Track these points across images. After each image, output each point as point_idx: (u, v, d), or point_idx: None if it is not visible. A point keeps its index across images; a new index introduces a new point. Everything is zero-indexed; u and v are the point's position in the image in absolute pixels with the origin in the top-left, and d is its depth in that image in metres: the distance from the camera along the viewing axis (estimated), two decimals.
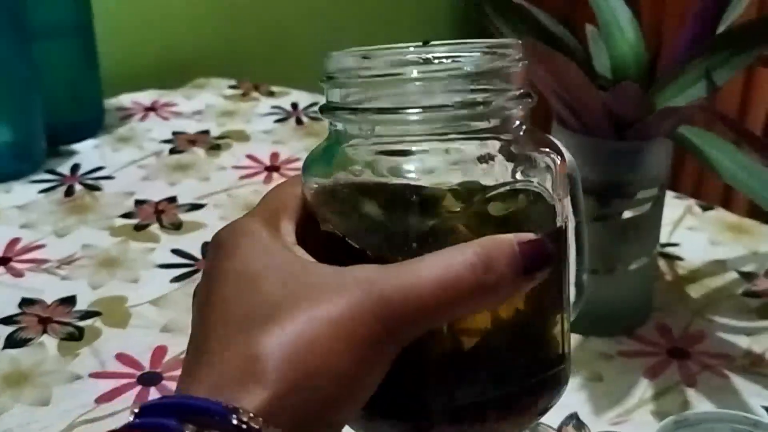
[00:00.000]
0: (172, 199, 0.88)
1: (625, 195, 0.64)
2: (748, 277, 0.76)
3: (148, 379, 0.63)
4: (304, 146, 1.00)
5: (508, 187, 0.39)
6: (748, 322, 0.70)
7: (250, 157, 0.97)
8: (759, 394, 0.62)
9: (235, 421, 0.31)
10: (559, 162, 0.40)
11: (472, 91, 0.38)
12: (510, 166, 0.39)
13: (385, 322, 0.33)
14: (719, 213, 0.86)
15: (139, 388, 0.62)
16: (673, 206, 0.85)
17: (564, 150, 0.41)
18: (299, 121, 1.07)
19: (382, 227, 0.38)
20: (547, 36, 0.57)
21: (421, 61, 0.38)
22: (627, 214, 0.64)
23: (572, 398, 0.62)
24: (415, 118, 0.38)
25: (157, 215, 0.85)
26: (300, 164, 0.97)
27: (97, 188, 0.90)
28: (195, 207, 0.87)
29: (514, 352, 0.40)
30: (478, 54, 0.38)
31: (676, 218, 0.85)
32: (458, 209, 0.38)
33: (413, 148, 0.38)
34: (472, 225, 0.38)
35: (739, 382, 0.64)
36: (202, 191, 0.90)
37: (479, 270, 0.34)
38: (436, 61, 0.38)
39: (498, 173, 0.39)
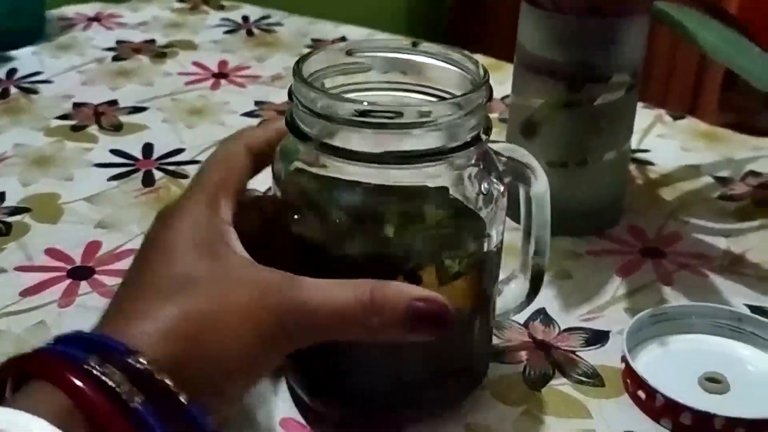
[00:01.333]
0: (112, 102, 0.82)
1: (598, 79, 0.59)
2: (723, 181, 0.72)
3: (79, 273, 0.58)
4: (255, 56, 0.94)
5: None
6: (725, 224, 0.66)
7: (197, 64, 0.91)
8: (741, 293, 0.58)
9: (131, 360, 0.34)
10: (501, 188, 0.44)
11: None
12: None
13: (284, 325, 0.38)
14: (690, 122, 0.82)
15: (68, 281, 0.57)
16: (643, 115, 0.81)
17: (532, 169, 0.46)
18: (250, 33, 1.01)
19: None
20: None
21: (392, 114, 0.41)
22: (599, 101, 0.60)
23: (539, 295, 0.57)
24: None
25: (96, 117, 0.79)
26: (250, 72, 0.92)
27: (33, 91, 0.84)
28: (137, 110, 0.81)
29: (418, 348, 0.43)
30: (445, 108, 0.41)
31: (645, 126, 0.80)
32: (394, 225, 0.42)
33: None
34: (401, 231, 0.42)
35: (719, 280, 0.59)
36: (145, 95, 0.84)
37: (367, 311, 0.38)
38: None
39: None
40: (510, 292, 0.50)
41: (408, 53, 0.46)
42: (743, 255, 0.62)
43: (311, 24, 1.04)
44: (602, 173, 0.63)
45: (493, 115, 0.79)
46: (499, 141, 0.46)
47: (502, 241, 0.46)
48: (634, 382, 0.48)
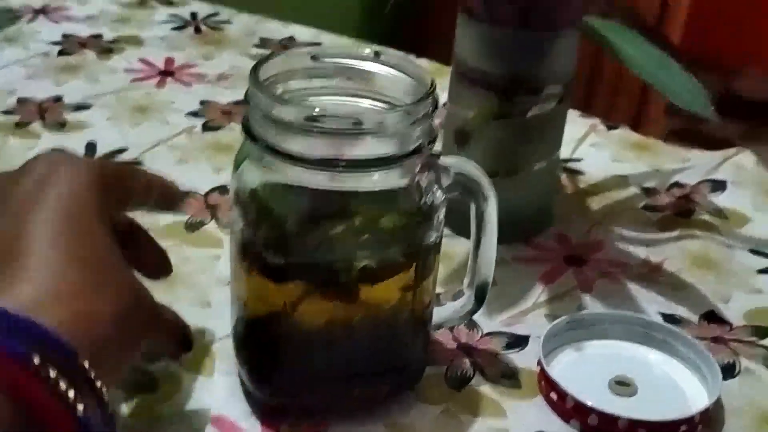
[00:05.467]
0: (57, 99, 0.83)
1: (530, 91, 0.61)
2: (649, 192, 0.75)
3: None
4: (202, 54, 0.95)
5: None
6: (647, 233, 0.69)
7: (143, 61, 0.92)
8: (655, 301, 0.61)
9: (71, 360, 0.34)
10: (443, 198, 0.47)
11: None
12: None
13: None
14: (624, 132, 0.85)
15: None
16: (578, 124, 0.84)
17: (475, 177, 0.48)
18: (198, 30, 1.02)
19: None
20: None
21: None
22: (531, 112, 0.62)
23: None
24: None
25: (40, 114, 0.80)
26: (196, 70, 0.93)
27: None
28: (81, 107, 0.82)
29: (352, 345, 0.48)
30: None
31: (579, 135, 0.83)
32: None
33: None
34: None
35: (635, 289, 0.62)
36: (90, 92, 0.85)
37: None
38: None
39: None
40: (455, 305, 0.52)
41: (369, 62, 0.49)
42: (660, 264, 0.65)
43: (259, 23, 1.05)
44: (532, 183, 0.65)
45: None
46: (449, 156, 0.48)
47: (439, 246, 0.49)
48: (547, 385, 0.51)
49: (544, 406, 0.51)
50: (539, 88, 0.61)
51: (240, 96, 0.84)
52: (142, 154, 0.75)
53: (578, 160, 0.79)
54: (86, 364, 0.34)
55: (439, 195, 0.46)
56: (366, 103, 0.48)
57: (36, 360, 0.32)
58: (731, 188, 0.75)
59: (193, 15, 1.06)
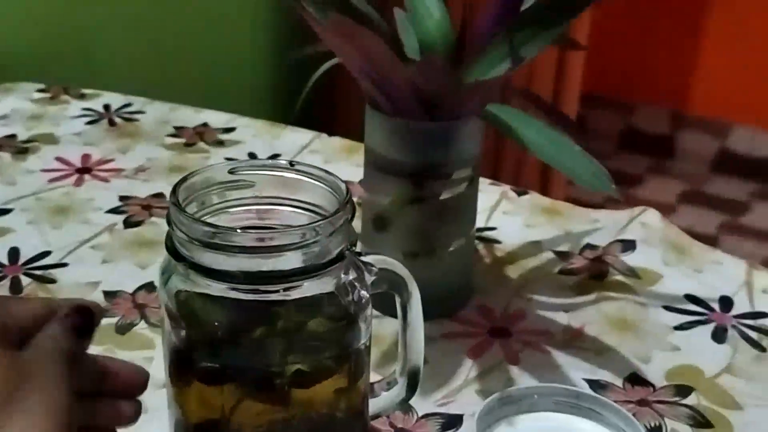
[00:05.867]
0: None
1: (440, 176, 0.64)
2: (563, 256, 0.78)
3: None
4: (118, 147, 0.96)
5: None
6: (566, 298, 0.72)
7: (59, 159, 0.93)
8: (579, 367, 0.64)
9: None
10: (368, 295, 0.49)
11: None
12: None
13: None
14: (533, 197, 0.88)
15: None
16: (489, 192, 0.87)
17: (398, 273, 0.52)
18: (112, 123, 1.03)
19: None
20: (355, 14, 0.57)
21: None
22: (443, 195, 0.65)
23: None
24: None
25: None
26: (113, 165, 0.93)
27: None
28: (1, 212, 0.82)
29: None
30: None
31: (492, 204, 0.86)
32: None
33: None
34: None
35: (559, 356, 0.65)
36: (9, 196, 0.85)
37: None
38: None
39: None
40: (389, 395, 0.54)
41: (284, 171, 0.51)
42: (581, 329, 0.68)
43: (173, 111, 1.06)
44: (451, 260, 0.68)
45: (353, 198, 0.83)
46: (371, 253, 0.50)
47: (369, 340, 0.50)
48: None
49: None
50: (449, 173, 0.64)
51: (158, 188, 0.87)
52: (66, 256, 0.75)
53: (493, 228, 0.82)
54: None
55: (363, 293, 0.48)
56: (286, 210, 0.50)
57: None
58: (641, 247, 0.78)
59: (106, 107, 1.07)
